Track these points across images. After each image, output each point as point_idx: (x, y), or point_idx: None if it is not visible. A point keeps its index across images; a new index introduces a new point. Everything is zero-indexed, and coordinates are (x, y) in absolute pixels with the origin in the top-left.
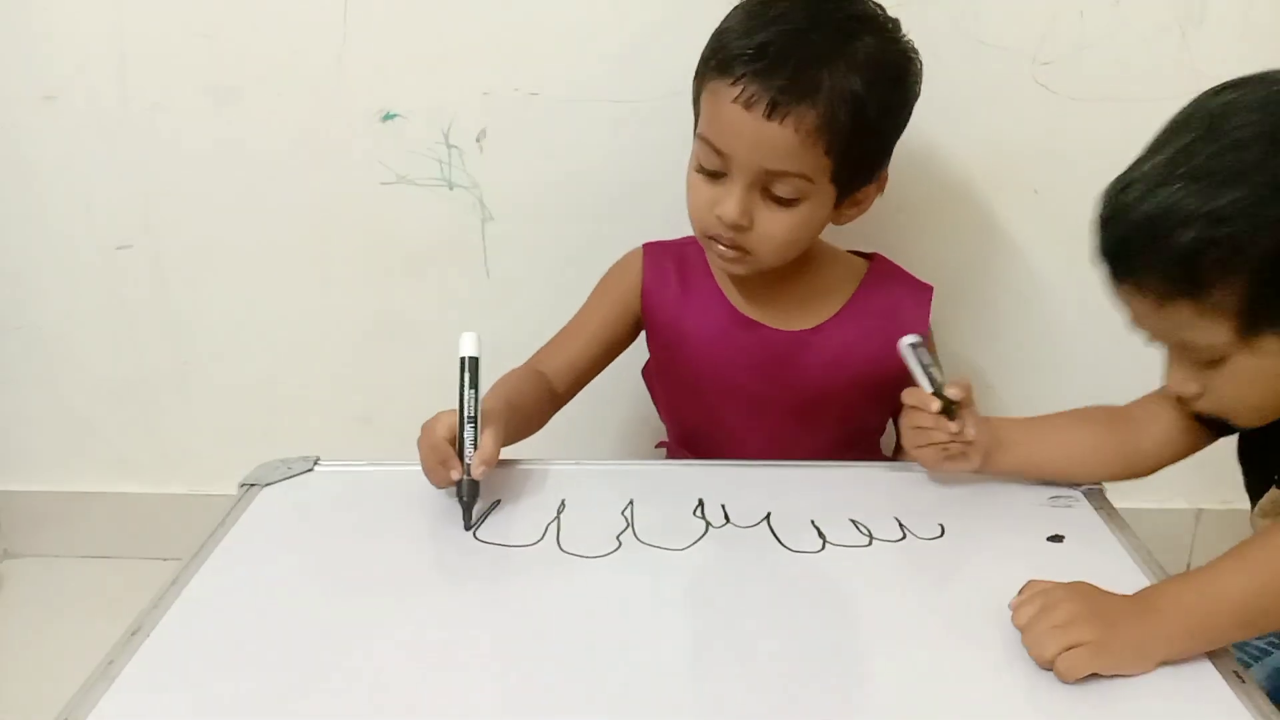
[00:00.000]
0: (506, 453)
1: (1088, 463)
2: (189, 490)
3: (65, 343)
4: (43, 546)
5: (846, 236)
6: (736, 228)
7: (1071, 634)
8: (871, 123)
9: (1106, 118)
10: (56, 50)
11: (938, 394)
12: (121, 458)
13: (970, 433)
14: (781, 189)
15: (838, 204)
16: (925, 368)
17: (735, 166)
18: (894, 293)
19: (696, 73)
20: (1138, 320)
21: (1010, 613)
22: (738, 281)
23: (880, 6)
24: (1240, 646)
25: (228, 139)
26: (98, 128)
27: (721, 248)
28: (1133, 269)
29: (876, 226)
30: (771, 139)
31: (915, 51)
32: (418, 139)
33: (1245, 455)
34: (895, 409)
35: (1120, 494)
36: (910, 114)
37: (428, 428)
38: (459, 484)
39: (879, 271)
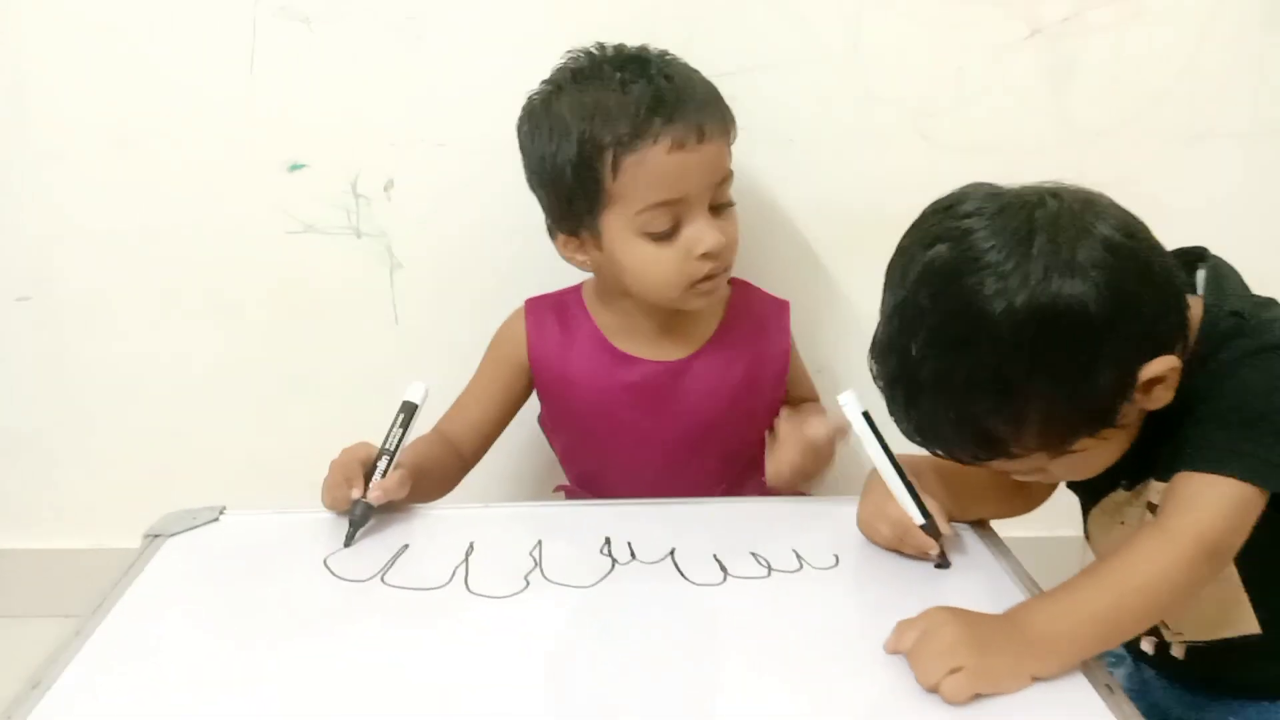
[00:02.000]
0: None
1: (987, 500)
2: (90, 545)
3: None
4: None
5: (748, 271)
6: (721, 251)
7: (953, 659)
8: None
9: (985, 165)
10: None
11: (930, 529)
12: (20, 513)
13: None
14: (720, 196)
15: None
16: (906, 481)
17: (690, 204)
18: (757, 311)
19: (587, 167)
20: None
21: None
22: (616, 321)
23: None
24: None
25: (131, 188)
26: None
27: (706, 284)
28: (935, 448)
29: (769, 261)
30: (710, 156)
31: None
32: (324, 189)
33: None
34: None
35: (1009, 523)
36: None
37: (349, 449)
38: (354, 504)
39: (740, 293)
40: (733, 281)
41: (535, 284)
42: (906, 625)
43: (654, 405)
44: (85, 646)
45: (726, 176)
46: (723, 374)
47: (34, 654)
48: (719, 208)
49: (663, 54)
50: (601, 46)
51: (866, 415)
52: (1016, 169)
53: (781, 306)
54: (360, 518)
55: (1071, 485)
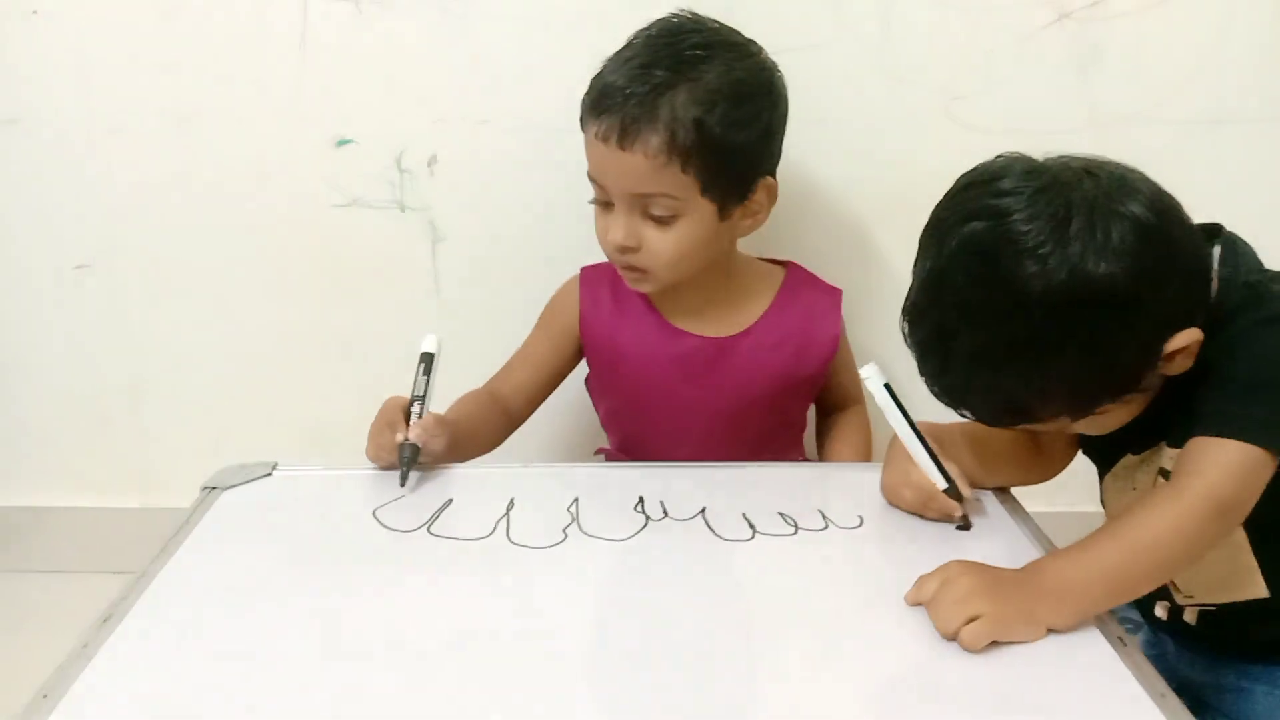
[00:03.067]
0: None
1: (1009, 467)
2: (142, 504)
3: (22, 358)
4: None
5: (780, 249)
6: (625, 250)
7: (971, 607)
8: (719, 139)
9: (1011, 148)
10: (20, 75)
11: (953, 493)
12: (77, 472)
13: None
14: (657, 209)
15: (724, 217)
16: (928, 449)
17: (613, 195)
18: (809, 296)
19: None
20: None
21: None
22: (667, 294)
23: (735, 33)
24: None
25: (186, 162)
26: (59, 150)
27: (624, 271)
28: (962, 411)
29: (800, 237)
30: (629, 166)
31: (768, 69)
32: (370, 164)
33: (1086, 445)
34: (811, 402)
35: (1032, 498)
36: (771, 126)
37: (388, 401)
38: (401, 446)
39: (794, 278)
40: (788, 265)
41: (572, 258)
42: (926, 577)
43: (699, 379)
44: (149, 588)
45: (651, 194)
46: (769, 354)
47: (88, 605)
48: (657, 220)
49: (702, 49)
50: (675, 22)
51: (888, 387)
52: (1042, 152)
53: (834, 294)
54: (409, 458)
55: (1086, 451)
